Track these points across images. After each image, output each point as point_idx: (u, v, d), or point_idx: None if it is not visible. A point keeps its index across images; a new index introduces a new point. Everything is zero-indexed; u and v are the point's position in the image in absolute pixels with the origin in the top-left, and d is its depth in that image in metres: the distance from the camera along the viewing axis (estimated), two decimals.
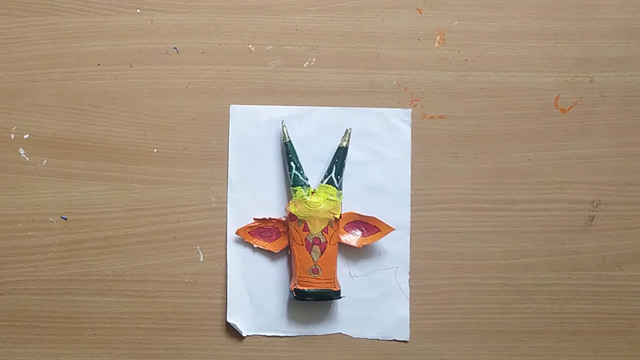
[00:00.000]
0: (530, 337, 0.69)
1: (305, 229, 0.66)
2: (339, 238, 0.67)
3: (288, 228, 0.67)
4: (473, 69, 0.71)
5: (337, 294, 0.66)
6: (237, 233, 0.68)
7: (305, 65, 0.70)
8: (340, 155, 0.68)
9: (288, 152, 0.67)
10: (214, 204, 0.69)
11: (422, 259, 0.69)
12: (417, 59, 0.70)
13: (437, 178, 0.70)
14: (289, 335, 0.69)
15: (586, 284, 0.70)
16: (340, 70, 0.70)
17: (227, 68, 0.70)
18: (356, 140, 0.69)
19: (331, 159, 0.68)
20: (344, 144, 0.68)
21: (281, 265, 0.69)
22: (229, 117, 0.69)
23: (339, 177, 0.67)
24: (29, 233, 0.69)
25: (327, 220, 0.66)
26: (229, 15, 0.70)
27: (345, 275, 0.68)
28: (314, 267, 0.66)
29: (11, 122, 0.69)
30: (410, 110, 0.70)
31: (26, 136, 0.69)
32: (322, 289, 0.65)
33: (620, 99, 0.71)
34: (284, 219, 0.68)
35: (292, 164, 0.67)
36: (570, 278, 0.70)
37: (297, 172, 0.67)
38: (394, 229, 0.67)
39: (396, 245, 0.69)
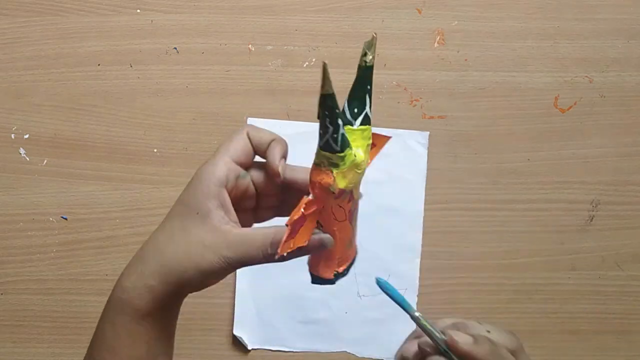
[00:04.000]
0: (530, 337, 0.69)
1: (351, 198, 0.43)
2: None
3: (321, 207, 0.42)
4: (472, 69, 0.71)
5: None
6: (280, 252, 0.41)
7: (305, 65, 0.70)
8: (369, 79, 0.41)
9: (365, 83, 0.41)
10: None
11: (423, 259, 0.69)
12: (416, 59, 0.70)
13: (437, 178, 0.70)
14: (294, 350, 0.68)
15: (585, 283, 0.70)
16: (340, 70, 0.70)
17: (227, 68, 0.70)
18: (372, 161, 0.67)
19: (358, 86, 0.41)
20: (370, 60, 0.40)
21: (290, 279, 0.68)
22: (229, 116, 0.69)
23: (371, 108, 0.42)
24: (29, 233, 0.69)
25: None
26: (229, 15, 0.70)
27: (354, 294, 0.68)
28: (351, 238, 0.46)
29: (11, 122, 0.69)
30: (428, 133, 0.70)
31: (26, 136, 0.69)
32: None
33: (620, 99, 0.71)
34: (310, 197, 0.42)
35: (338, 121, 0.39)
36: (569, 278, 0.70)
37: (345, 132, 0.40)
38: (389, 137, 0.45)
39: (406, 267, 0.68)
